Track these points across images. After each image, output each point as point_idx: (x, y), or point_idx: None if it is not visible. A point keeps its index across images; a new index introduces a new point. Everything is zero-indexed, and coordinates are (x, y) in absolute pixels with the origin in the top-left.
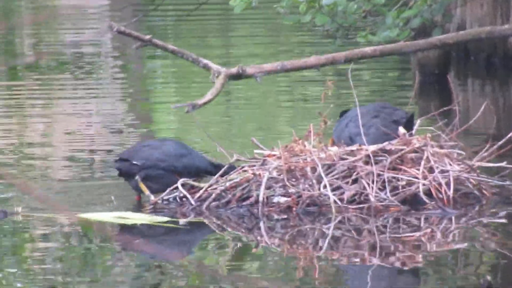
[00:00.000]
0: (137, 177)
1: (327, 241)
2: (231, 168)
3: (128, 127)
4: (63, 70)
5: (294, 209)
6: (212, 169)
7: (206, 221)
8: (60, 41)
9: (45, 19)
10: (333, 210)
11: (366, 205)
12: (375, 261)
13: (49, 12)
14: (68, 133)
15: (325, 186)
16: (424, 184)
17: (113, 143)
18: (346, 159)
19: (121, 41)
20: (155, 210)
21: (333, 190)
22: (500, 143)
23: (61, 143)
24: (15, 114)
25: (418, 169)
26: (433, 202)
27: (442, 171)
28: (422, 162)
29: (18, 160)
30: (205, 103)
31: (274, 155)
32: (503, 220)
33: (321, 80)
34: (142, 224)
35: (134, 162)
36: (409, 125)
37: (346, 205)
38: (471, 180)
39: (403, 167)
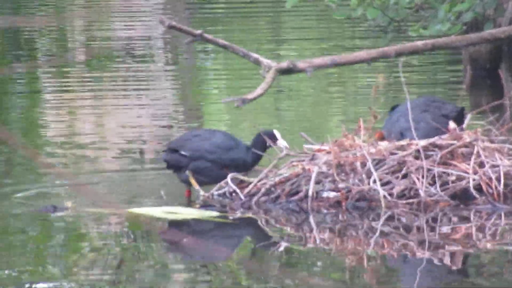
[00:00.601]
0: (187, 171)
1: (376, 236)
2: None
3: (178, 122)
4: (114, 64)
5: (343, 204)
6: (252, 155)
7: (255, 216)
8: (112, 36)
9: (98, 15)
10: (383, 205)
11: (415, 200)
12: (424, 257)
13: (102, 9)
14: (119, 127)
15: (374, 181)
16: (474, 179)
17: (163, 137)
18: (396, 153)
19: (172, 36)
20: (205, 205)
21: (382, 185)
22: None
23: (111, 137)
24: (66, 107)
25: (468, 164)
26: (483, 197)
27: (493, 166)
28: (473, 157)
29: (68, 153)
30: (255, 98)
31: (323, 150)
32: None
33: (372, 74)
34: (191, 219)
35: (183, 153)
36: (459, 119)
37: (395, 200)
38: None
39: (453, 162)
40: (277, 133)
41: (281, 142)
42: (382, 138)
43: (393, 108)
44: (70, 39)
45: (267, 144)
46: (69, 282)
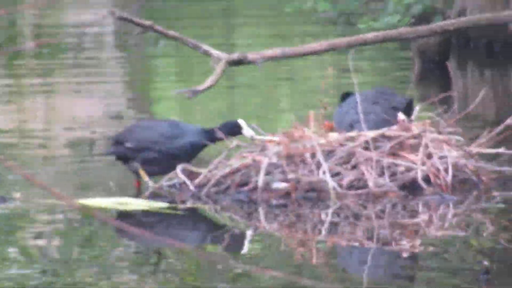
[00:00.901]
0: (136, 164)
1: (325, 226)
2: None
3: (128, 111)
4: (63, 53)
5: (293, 195)
6: (208, 138)
7: (205, 207)
8: (62, 26)
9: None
10: (332, 195)
11: (365, 191)
12: (373, 246)
13: None
14: (69, 117)
15: (324, 172)
16: (422, 170)
17: (113, 128)
18: (346, 145)
19: (122, 26)
20: (154, 196)
21: (332, 175)
22: (498, 129)
23: (61, 127)
24: (15, 97)
25: (417, 155)
26: (431, 188)
27: (441, 157)
28: (421, 148)
29: (17, 144)
30: (205, 89)
31: (273, 141)
32: (501, 205)
33: (322, 66)
34: (141, 210)
35: (128, 145)
36: (408, 111)
37: (345, 191)
38: (469, 166)
39: (402, 153)
40: (242, 122)
41: (248, 131)
42: (331, 129)
43: (343, 96)
44: (19, 29)
45: (233, 132)
46: (13, 273)
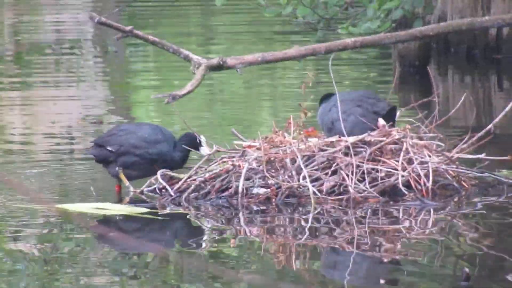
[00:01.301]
0: (117, 168)
1: (306, 232)
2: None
3: (109, 115)
4: (43, 57)
5: (273, 200)
6: (185, 157)
7: (185, 212)
8: (41, 30)
9: (27, 10)
10: (312, 201)
11: (345, 197)
12: (354, 251)
13: (31, 3)
14: (48, 122)
15: (304, 177)
16: (403, 176)
17: (93, 133)
18: (326, 150)
19: (102, 30)
20: (135, 201)
21: (312, 181)
22: (479, 134)
23: (40, 131)
24: None
25: (397, 161)
26: (412, 194)
27: (421, 163)
28: (401, 154)
29: None
30: (185, 94)
31: (254, 146)
32: (482, 211)
33: (302, 71)
34: (121, 215)
35: (109, 148)
36: (389, 117)
37: (325, 196)
38: (450, 172)
39: (382, 159)
40: (203, 139)
41: (204, 150)
42: (307, 134)
43: (323, 98)
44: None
45: (192, 145)
46: None
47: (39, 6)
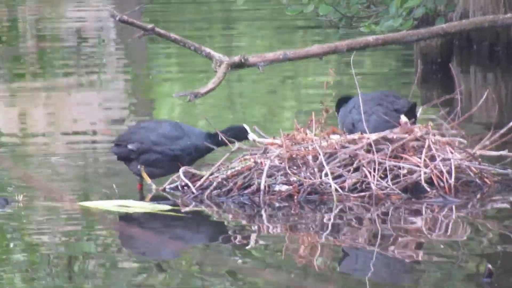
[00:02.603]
0: (139, 166)
1: (328, 229)
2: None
3: (130, 114)
4: (65, 55)
5: (295, 197)
6: (212, 141)
7: (207, 209)
8: (63, 28)
9: (50, 7)
10: (335, 198)
11: (367, 194)
12: (376, 249)
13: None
14: (71, 119)
15: (326, 174)
16: (425, 173)
17: (115, 130)
18: (348, 147)
19: (124, 28)
20: (157, 199)
21: (334, 178)
22: (501, 131)
23: (63, 129)
24: (17, 101)
25: (420, 157)
26: (434, 191)
27: (444, 159)
28: (424, 150)
29: (18, 147)
30: (207, 92)
31: (275, 143)
32: (505, 207)
33: (324, 68)
34: (143, 213)
35: (130, 147)
36: (411, 114)
37: (347, 193)
38: (473, 169)
39: (404, 156)
40: (247, 127)
41: (252, 136)
42: (332, 132)
43: (338, 103)
44: (21, 31)
45: (238, 137)
46: (16, 279)
47: (61, 2)
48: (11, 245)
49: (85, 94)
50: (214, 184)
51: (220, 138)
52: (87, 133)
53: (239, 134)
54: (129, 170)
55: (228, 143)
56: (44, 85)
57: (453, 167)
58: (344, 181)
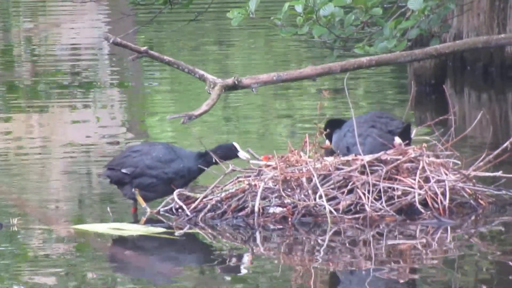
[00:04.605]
0: (133, 190)
1: (322, 251)
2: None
3: (125, 135)
4: (59, 78)
5: (289, 219)
6: (203, 162)
7: (201, 232)
8: (57, 52)
9: (43, 28)
10: (329, 220)
11: (361, 215)
12: (371, 271)
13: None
14: (65, 144)
15: (320, 196)
16: (419, 194)
17: (109, 154)
18: (342, 169)
19: (118, 50)
20: (151, 221)
21: (328, 200)
22: (496, 152)
23: (58, 152)
24: (12, 122)
25: (414, 179)
26: (429, 212)
27: (438, 181)
28: (418, 172)
29: (13, 169)
30: (200, 114)
31: (269, 166)
32: (499, 229)
33: (318, 89)
34: (138, 236)
35: (123, 171)
36: (405, 135)
37: (341, 215)
38: (467, 190)
39: (398, 177)
40: (236, 145)
41: (243, 154)
42: (330, 152)
43: (327, 126)
44: (17, 55)
45: (228, 155)
46: None
47: (56, 25)
48: (4, 270)
49: (79, 114)
50: (208, 206)
51: (211, 158)
52: (81, 154)
53: (229, 152)
54: (122, 194)
55: (219, 162)
56: (39, 105)
57: (447, 189)
58: (338, 203)
